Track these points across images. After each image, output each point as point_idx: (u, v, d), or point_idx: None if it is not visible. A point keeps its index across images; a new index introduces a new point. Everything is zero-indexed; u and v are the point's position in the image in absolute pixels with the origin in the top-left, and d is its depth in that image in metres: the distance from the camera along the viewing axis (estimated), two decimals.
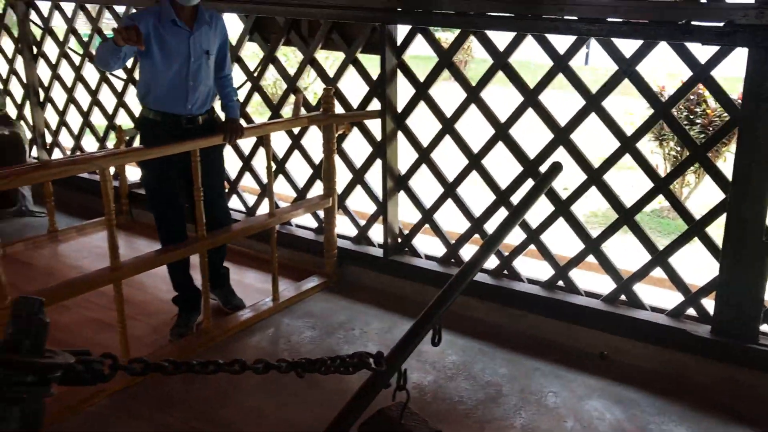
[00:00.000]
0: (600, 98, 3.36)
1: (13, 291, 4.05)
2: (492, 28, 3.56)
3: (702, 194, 7.42)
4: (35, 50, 5.85)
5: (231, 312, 3.86)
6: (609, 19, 3.18)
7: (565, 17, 3.28)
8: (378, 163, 4.18)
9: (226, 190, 4.34)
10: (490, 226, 3.91)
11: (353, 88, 4.67)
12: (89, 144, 5.98)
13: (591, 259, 3.62)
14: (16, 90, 6.15)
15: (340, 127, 4.13)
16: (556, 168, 2.87)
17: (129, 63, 4.63)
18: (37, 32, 5.80)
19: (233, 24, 4.23)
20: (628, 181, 6.28)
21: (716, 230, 3.20)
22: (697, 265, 4.35)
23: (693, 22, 3.00)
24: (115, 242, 3.03)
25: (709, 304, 3.33)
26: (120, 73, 5.32)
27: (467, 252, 3.96)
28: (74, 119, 5.84)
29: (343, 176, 4.30)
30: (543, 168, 3.55)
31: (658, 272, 3.45)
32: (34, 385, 1.29)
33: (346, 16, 4.00)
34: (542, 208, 3.43)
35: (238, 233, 3.74)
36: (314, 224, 4.58)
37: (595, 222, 7.33)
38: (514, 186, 3.75)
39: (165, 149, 3.23)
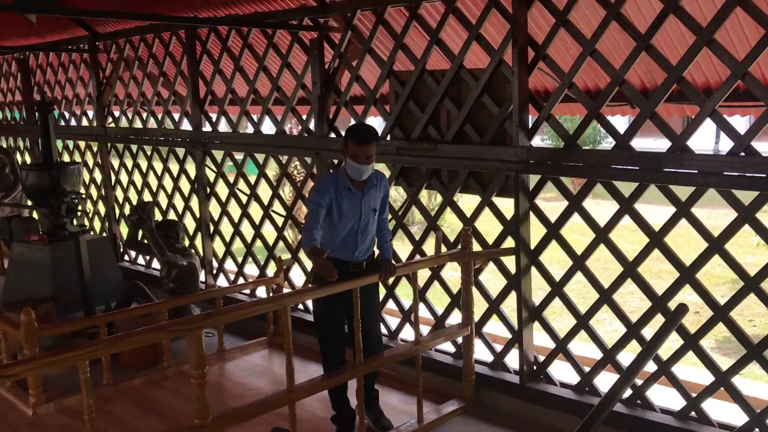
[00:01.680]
0: (722, 242, 3.64)
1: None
2: (616, 178, 3.97)
3: None
4: (208, 190, 6.80)
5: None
6: (725, 173, 3.51)
7: (684, 170, 3.65)
8: (512, 294, 4.58)
9: None
10: (621, 357, 4.19)
11: (488, 227, 5.15)
12: (250, 270, 6.76)
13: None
14: (189, 223, 7.12)
15: (478, 261, 4.59)
16: (682, 310, 3.17)
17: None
18: (211, 175, 6.78)
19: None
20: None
21: None
22: None
23: None
24: (292, 368, 3.58)
25: None
26: (280, 209, 6.12)
27: (600, 380, 4.24)
28: (238, 249, 6.68)
29: (478, 305, 4.71)
30: (670, 304, 3.82)
31: None
32: None
33: (483, 167, 4.54)
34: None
35: (390, 360, 4.21)
36: (452, 349, 4.97)
37: (728, 348, 7.26)
38: (643, 320, 4.02)
39: (332, 288, 3.79)
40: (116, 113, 7.90)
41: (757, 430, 3.65)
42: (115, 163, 8.09)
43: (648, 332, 4.05)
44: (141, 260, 8.00)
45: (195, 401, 3.20)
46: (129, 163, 7.81)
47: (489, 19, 4.41)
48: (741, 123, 3.63)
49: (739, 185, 3.50)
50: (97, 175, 8.48)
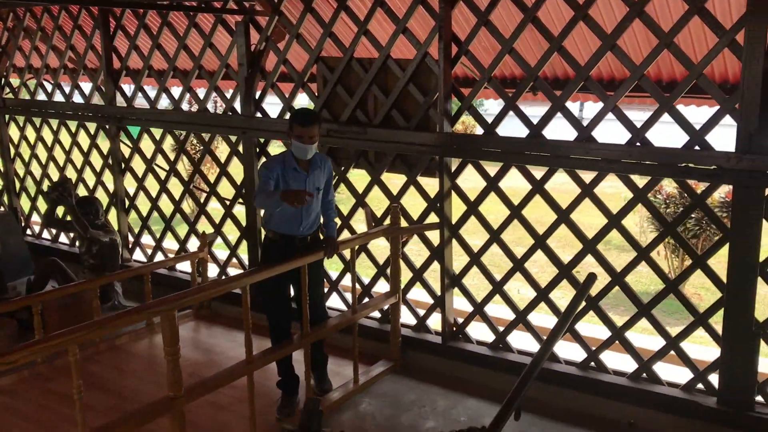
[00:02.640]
0: (620, 217, 4.30)
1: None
2: (530, 163, 4.53)
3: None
4: (123, 165, 6.82)
5: (321, 395, 4.67)
6: (624, 161, 4.14)
7: (589, 158, 4.24)
8: (435, 265, 5.08)
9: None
10: (532, 317, 4.81)
11: (410, 204, 5.59)
12: (167, 244, 6.88)
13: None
14: (102, 199, 7.09)
15: (404, 235, 5.05)
16: (592, 278, 3.80)
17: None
18: (125, 150, 6.79)
19: None
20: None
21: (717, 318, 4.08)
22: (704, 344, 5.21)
23: (690, 165, 3.96)
24: (251, 341, 3.90)
25: (714, 378, 4.18)
26: (202, 185, 6.29)
27: (512, 338, 4.85)
28: (156, 225, 6.78)
29: (403, 275, 5.18)
30: (575, 273, 4.46)
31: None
32: None
33: (409, 150, 4.97)
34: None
35: (332, 329, 4.59)
36: (377, 314, 5.43)
37: (611, 304, 8.20)
38: (551, 285, 4.64)
39: (282, 267, 4.12)
40: (14, 83, 7.65)
41: (644, 374, 4.38)
42: (14, 136, 7.85)
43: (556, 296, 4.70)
44: (46, 234, 7.87)
45: (169, 375, 3.46)
46: (31, 137, 7.61)
47: (414, 15, 4.79)
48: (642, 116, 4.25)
49: (636, 171, 4.14)
50: None
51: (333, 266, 5.74)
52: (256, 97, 5.72)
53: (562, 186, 5.80)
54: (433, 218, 5.06)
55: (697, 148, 3.97)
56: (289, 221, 4.29)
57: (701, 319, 4.15)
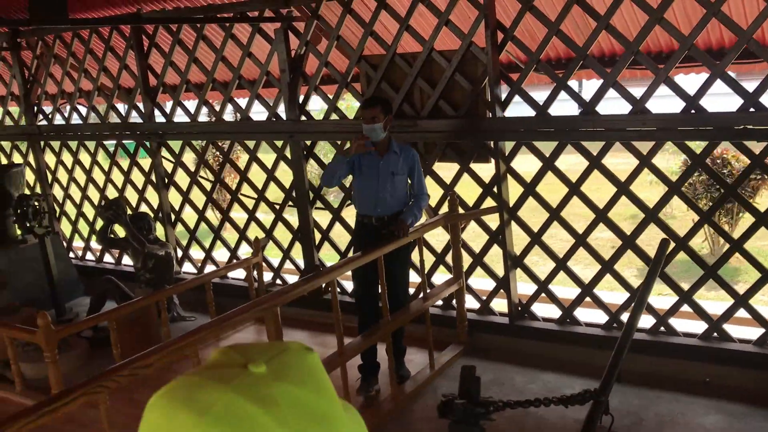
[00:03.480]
0: (680, 185, 4.45)
1: None
2: (585, 140, 4.67)
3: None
4: (166, 180, 6.94)
5: (400, 381, 4.80)
6: (680, 129, 4.28)
7: (646, 128, 4.39)
8: (493, 249, 5.22)
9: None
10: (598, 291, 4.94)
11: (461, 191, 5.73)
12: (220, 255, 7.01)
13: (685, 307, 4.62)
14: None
15: (463, 221, 5.18)
16: (666, 244, 3.94)
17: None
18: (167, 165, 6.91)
19: None
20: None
21: None
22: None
23: (748, 126, 4.10)
24: (342, 334, 4.03)
25: None
26: (251, 192, 6.41)
27: (579, 312, 4.99)
28: (202, 236, 6.91)
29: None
30: (641, 243, 4.60)
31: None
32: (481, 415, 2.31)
33: (461, 137, 5.10)
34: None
35: (407, 317, 4.71)
36: (439, 302, 5.56)
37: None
38: (615, 257, 4.77)
39: (364, 258, 4.25)
40: (47, 109, 7.75)
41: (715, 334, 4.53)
42: (50, 161, 7.96)
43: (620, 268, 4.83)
44: (90, 256, 7.98)
45: None
46: (68, 161, 7.71)
47: (456, 6, 4.92)
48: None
49: (691, 136, 4.29)
50: (29, 175, 8.27)
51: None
52: (300, 101, 5.84)
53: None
54: (488, 203, 5.19)
55: (752, 110, 4.11)
56: (364, 201, 4.64)
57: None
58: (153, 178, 6.98)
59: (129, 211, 6.42)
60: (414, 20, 5.18)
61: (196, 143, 6.61)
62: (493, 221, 5.24)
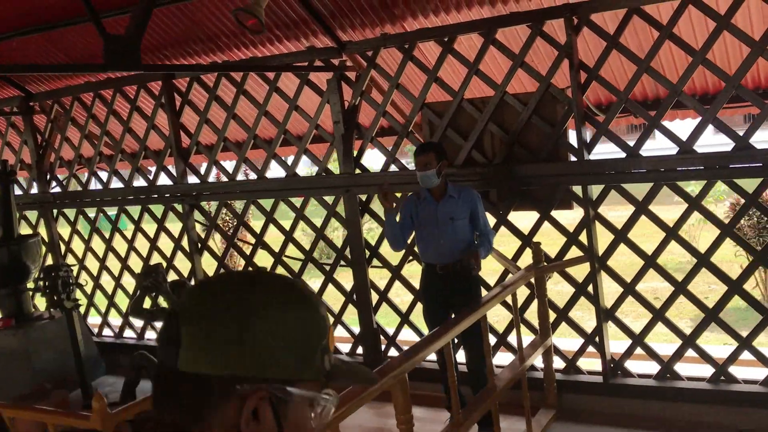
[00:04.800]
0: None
1: None
2: (683, 179, 4.40)
3: None
4: (199, 245, 6.47)
5: None
6: None
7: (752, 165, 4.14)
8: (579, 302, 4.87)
9: None
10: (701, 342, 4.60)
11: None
12: None
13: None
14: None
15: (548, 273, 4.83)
16: None
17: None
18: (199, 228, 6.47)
19: None
20: None
21: None
22: None
23: None
24: (457, 401, 3.59)
25: None
26: (297, 254, 5.99)
27: (680, 367, 4.62)
28: None
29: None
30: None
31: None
32: None
33: (540, 183, 4.80)
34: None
35: (504, 390, 4.21)
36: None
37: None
38: (721, 303, 4.45)
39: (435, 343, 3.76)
40: (60, 176, 7.29)
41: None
42: (64, 232, 7.44)
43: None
44: (107, 332, 7.38)
45: None
46: (84, 230, 7.21)
47: (533, 47, 4.69)
48: None
49: None
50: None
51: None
52: (354, 154, 5.50)
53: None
54: (572, 253, 4.86)
55: None
56: (426, 250, 4.54)
57: None
58: (183, 243, 6.51)
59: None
60: (482, 64, 4.93)
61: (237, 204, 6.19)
62: (577, 272, 4.90)
